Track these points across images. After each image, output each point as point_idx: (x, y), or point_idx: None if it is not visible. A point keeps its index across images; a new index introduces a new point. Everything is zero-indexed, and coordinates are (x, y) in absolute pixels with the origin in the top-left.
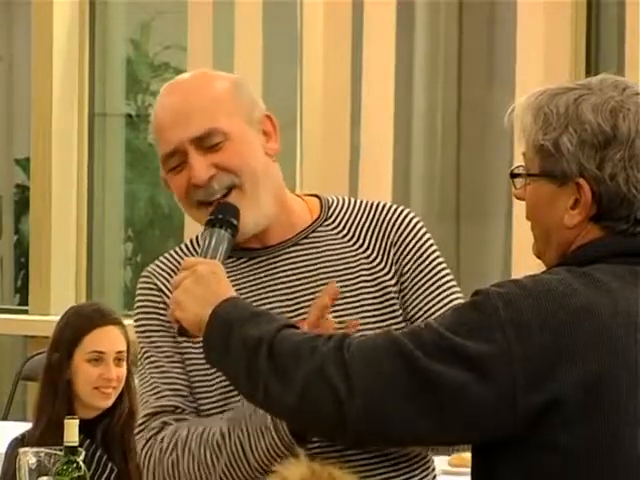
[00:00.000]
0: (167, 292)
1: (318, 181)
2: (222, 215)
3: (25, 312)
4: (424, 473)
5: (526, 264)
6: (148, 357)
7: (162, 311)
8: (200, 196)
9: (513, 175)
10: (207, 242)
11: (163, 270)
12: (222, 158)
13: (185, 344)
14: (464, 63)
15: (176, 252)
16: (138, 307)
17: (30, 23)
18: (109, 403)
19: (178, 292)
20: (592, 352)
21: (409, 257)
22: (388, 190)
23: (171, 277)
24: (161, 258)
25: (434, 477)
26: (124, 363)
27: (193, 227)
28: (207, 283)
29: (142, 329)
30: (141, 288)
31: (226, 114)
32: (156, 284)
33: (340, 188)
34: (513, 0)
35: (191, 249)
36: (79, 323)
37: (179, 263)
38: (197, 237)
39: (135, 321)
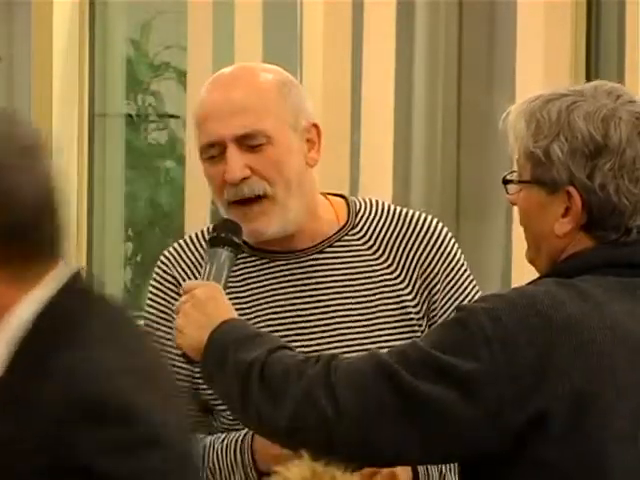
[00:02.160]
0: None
1: (319, 181)
2: (224, 234)
3: None
4: None
5: (526, 264)
6: None
7: (174, 307)
8: (230, 195)
9: (505, 182)
10: (209, 264)
11: (182, 258)
12: (259, 162)
13: None
14: (464, 63)
15: (195, 237)
16: (150, 295)
17: (30, 23)
18: None
19: (178, 318)
20: (578, 367)
21: (439, 284)
22: (388, 190)
23: (188, 266)
24: (181, 242)
25: None
26: None
27: (193, 227)
28: (204, 307)
29: (149, 319)
30: (157, 274)
31: (273, 116)
32: (174, 275)
33: (340, 188)
34: (513, 0)
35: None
36: None
37: (197, 252)
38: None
39: (145, 311)
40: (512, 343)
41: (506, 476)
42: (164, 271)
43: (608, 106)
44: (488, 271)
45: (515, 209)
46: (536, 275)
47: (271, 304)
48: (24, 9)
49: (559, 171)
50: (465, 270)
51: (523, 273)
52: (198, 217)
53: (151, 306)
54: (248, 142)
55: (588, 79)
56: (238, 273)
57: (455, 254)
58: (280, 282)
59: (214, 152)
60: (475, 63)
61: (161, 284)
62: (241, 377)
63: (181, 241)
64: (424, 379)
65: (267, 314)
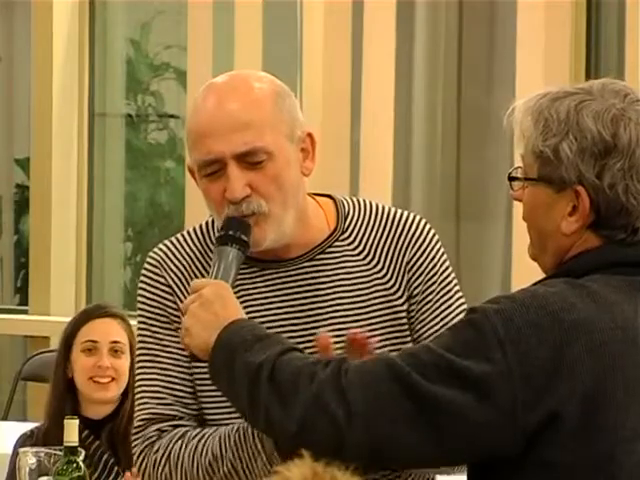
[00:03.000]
0: (176, 288)
1: (318, 181)
2: (232, 232)
3: (25, 312)
4: None
5: (526, 264)
6: (153, 355)
7: (170, 309)
8: (230, 212)
9: (511, 179)
10: (217, 262)
11: (172, 261)
12: (259, 180)
13: None
14: (464, 63)
15: (182, 238)
16: (143, 298)
17: (30, 23)
18: (108, 395)
19: (186, 317)
20: (590, 368)
21: (420, 279)
22: (388, 190)
23: (179, 269)
24: (168, 243)
25: None
26: (123, 355)
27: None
28: (212, 307)
29: (147, 323)
30: (147, 277)
31: (272, 130)
32: (165, 277)
33: (340, 188)
34: (513, 0)
35: (203, 233)
36: (78, 317)
37: (187, 254)
38: (206, 222)
39: (139, 314)
40: (525, 345)
41: (516, 477)
42: (155, 274)
43: (617, 106)
44: (488, 271)
45: (515, 209)
46: (536, 275)
47: (264, 312)
48: (24, 9)
49: (568, 170)
50: (449, 274)
51: (523, 273)
52: (198, 217)
53: (147, 310)
54: (249, 159)
55: (588, 79)
56: None
57: (440, 256)
58: (273, 290)
59: (212, 169)
60: (475, 63)
61: (154, 287)
62: (250, 379)
63: (167, 242)
64: (437, 382)
65: (261, 322)
